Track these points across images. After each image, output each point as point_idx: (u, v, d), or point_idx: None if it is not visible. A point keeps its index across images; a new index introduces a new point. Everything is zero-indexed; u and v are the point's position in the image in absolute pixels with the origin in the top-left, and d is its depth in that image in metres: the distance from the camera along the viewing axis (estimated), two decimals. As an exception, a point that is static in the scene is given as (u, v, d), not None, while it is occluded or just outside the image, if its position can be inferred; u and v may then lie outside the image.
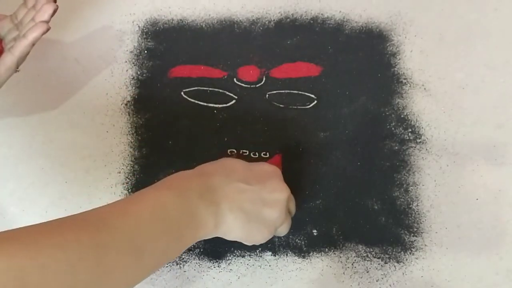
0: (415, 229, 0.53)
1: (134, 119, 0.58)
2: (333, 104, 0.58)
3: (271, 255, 0.52)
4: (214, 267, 0.52)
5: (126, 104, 0.59)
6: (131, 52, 0.61)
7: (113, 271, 0.35)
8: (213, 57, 0.60)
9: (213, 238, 0.53)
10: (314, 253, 0.52)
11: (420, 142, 0.56)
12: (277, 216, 0.46)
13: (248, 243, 0.46)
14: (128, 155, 0.56)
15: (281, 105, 0.58)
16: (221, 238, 0.52)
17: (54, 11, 0.50)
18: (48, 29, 0.49)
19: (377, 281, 0.51)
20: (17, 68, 0.50)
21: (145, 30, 0.62)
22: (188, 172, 0.45)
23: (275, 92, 0.58)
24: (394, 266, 0.51)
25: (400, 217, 0.53)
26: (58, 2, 0.52)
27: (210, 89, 0.59)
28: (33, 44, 0.49)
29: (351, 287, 0.51)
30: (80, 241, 0.33)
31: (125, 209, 0.38)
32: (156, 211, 0.39)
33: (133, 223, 0.37)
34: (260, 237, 0.46)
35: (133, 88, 0.59)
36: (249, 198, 0.44)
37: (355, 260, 0.52)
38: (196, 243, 0.53)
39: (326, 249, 0.52)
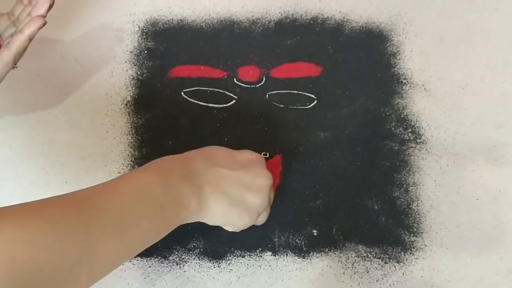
0: (415, 229, 0.53)
1: (134, 119, 0.58)
2: (333, 104, 0.58)
3: (271, 255, 0.52)
4: (214, 267, 0.52)
5: (126, 104, 0.59)
6: (131, 52, 0.61)
7: (98, 247, 0.35)
8: (213, 57, 0.60)
9: (213, 238, 0.53)
10: (314, 253, 0.52)
11: (420, 142, 0.56)
12: (260, 202, 0.46)
13: (229, 228, 0.47)
14: (128, 155, 0.57)
15: (281, 105, 0.58)
16: (221, 237, 0.53)
17: (50, 6, 0.50)
18: (44, 24, 0.49)
19: (377, 281, 0.51)
20: (15, 64, 0.50)
21: (145, 30, 0.62)
22: (173, 156, 0.45)
23: (275, 92, 0.58)
24: (394, 266, 0.51)
25: (400, 217, 0.53)
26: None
27: (210, 89, 0.59)
28: (30, 39, 0.49)
29: (351, 287, 0.51)
30: (67, 217, 0.34)
31: (110, 189, 0.39)
32: (140, 191, 0.40)
33: (117, 202, 0.38)
34: (241, 223, 0.46)
35: (133, 88, 0.59)
36: (232, 182, 0.45)
37: (355, 260, 0.52)
38: (196, 243, 0.53)
39: (326, 249, 0.52)
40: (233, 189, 0.45)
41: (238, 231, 0.48)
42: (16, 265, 0.31)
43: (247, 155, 0.48)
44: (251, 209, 0.46)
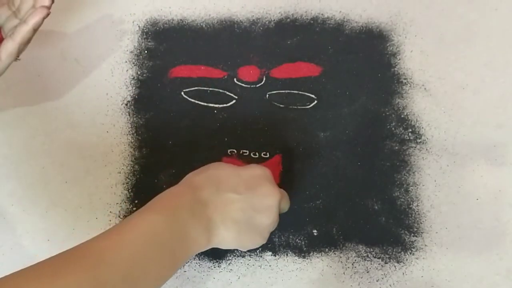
0: (415, 229, 0.53)
1: (134, 119, 0.58)
2: (333, 104, 0.58)
3: (271, 255, 0.52)
4: (215, 267, 0.52)
5: (126, 104, 0.59)
6: (131, 52, 0.61)
7: None
8: (213, 57, 0.60)
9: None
10: (314, 253, 0.52)
11: (420, 142, 0.56)
12: (269, 222, 0.45)
13: (243, 249, 0.47)
14: (128, 155, 0.56)
15: (281, 105, 0.58)
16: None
17: None
18: (48, 14, 0.48)
19: (377, 281, 0.51)
20: (18, 55, 0.49)
21: (145, 30, 0.62)
22: (177, 188, 0.44)
23: (275, 92, 0.58)
24: (394, 266, 0.51)
25: (400, 217, 0.53)
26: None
27: (210, 89, 0.59)
28: (34, 30, 0.49)
29: (351, 287, 0.51)
30: (80, 281, 0.34)
31: (120, 240, 0.38)
32: (149, 239, 0.39)
33: (128, 256, 0.37)
34: (253, 244, 0.46)
35: (133, 88, 0.59)
36: (240, 207, 0.44)
37: (355, 260, 0.52)
38: (196, 243, 0.53)
39: (326, 249, 0.52)
40: (242, 213, 0.44)
41: (253, 248, 0.47)
42: None
43: (253, 171, 0.47)
44: (261, 230, 0.45)
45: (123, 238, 0.38)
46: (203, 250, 0.43)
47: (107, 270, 0.35)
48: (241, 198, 0.44)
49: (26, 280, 0.33)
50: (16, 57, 0.49)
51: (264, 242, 0.46)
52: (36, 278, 0.33)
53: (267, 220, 0.45)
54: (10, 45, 0.48)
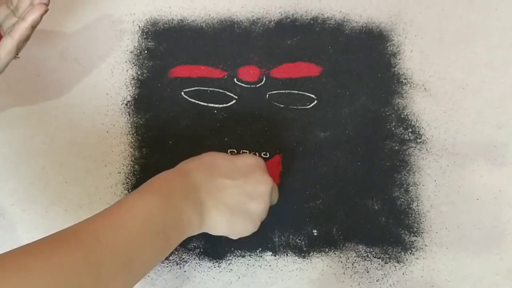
0: (415, 229, 0.53)
1: (134, 119, 0.58)
2: (333, 104, 0.58)
3: (271, 255, 0.52)
4: (214, 267, 0.52)
5: (126, 104, 0.59)
6: (131, 52, 0.61)
7: (107, 285, 0.35)
8: (213, 57, 0.60)
9: (213, 238, 0.53)
10: (314, 253, 0.52)
11: (420, 142, 0.56)
12: (262, 209, 0.46)
13: (234, 237, 0.47)
14: (128, 155, 0.56)
15: (281, 105, 0.58)
16: (221, 238, 0.53)
17: None
18: (46, 11, 0.48)
19: (377, 281, 0.51)
20: (17, 53, 0.49)
21: (145, 30, 0.62)
22: (171, 172, 0.45)
23: (275, 92, 0.58)
24: (395, 266, 0.51)
25: (400, 217, 0.53)
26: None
27: (210, 89, 0.59)
28: (33, 27, 0.49)
29: (351, 287, 0.51)
30: (76, 261, 0.34)
31: (113, 222, 0.38)
32: (142, 220, 0.39)
33: (124, 237, 0.37)
34: (244, 231, 0.46)
35: (133, 88, 0.59)
36: (233, 193, 0.45)
37: (355, 260, 0.52)
38: (196, 243, 0.53)
39: (326, 249, 0.52)
40: (234, 199, 0.45)
41: (243, 236, 0.47)
42: None
43: (247, 160, 0.48)
44: (253, 217, 0.46)
45: (119, 220, 0.38)
46: (195, 234, 0.44)
47: (102, 252, 0.36)
48: (234, 183, 0.45)
49: (22, 257, 0.33)
50: (15, 55, 0.49)
51: (255, 230, 0.46)
52: (32, 255, 0.33)
53: (259, 206, 0.46)
54: (9, 43, 0.48)
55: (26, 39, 0.49)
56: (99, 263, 0.35)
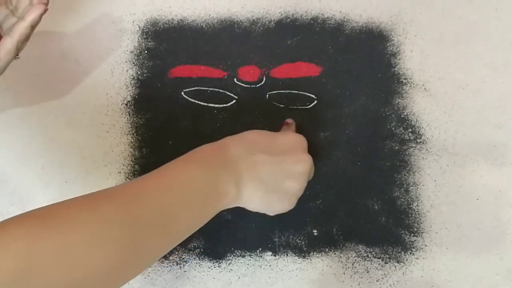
0: (415, 229, 0.53)
1: (134, 119, 0.58)
2: (333, 104, 0.58)
3: (271, 255, 0.52)
4: (215, 267, 0.52)
5: (126, 104, 0.59)
6: (131, 52, 0.61)
7: (146, 242, 0.37)
8: (213, 57, 0.60)
9: (213, 238, 0.53)
10: (314, 253, 0.52)
11: (420, 142, 0.56)
12: (299, 188, 0.46)
13: (270, 213, 0.47)
14: (128, 155, 0.56)
15: (281, 105, 0.58)
16: (221, 237, 0.53)
17: None
18: (45, 10, 0.48)
19: (377, 281, 0.51)
20: (17, 54, 0.49)
21: (145, 30, 0.62)
22: (212, 145, 0.45)
23: (275, 92, 0.58)
24: (395, 266, 0.51)
25: (400, 217, 0.53)
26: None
27: (210, 89, 0.59)
28: (32, 27, 0.48)
29: (351, 287, 0.51)
30: (119, 215, 0.35)
31: (158, 183, 0.40)
32: (184, 184, 0.41)
33: (164, 197, 0.39)
34: (280, 208, 0.46)
35: (133, 88, 0.59)
36: (270, 170, 0.45)
37: (355, 260, 0.52)
38: (196, 243, 0.53)
39: (326, 249, 0.52)
40: (272, 175, 0.45)
41: (280, 213, 0.47)
42: (75, 269, 0.32)
43: (289, 137, 0.48)
44: (290, 195, 0.46)
45: (162, 181, 0.40)
46: (231, 206, 0.44)
47: (143, 210, 0.37)
48: (272, 160, 0.45)
49: (72, 209, 0.35)
50: (15, 55, 0.49)
51: (291, 207, 0.46)
52: (76, 207, 0.35)
53: (296, 185, 0.46)
54: (8, 43, 0.48)
55: (26, 39, 0.49)
56: (139, 219, 0.36)
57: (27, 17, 0.48)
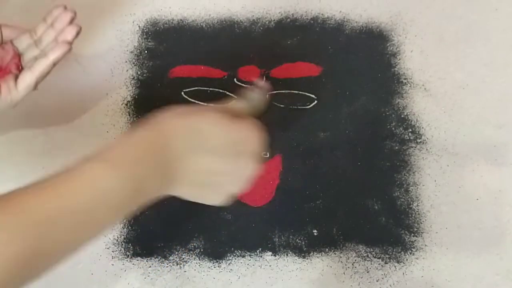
0: (416, 229, 0.53)
1: (134, 119, 0.58)
2: (333, 104, 0.58)
3: (271, 255, 0.52)
4: (215, 267, 0.52)
5: (126, 104, 0.59)
6: (131, 52, 0.61)
7: (50, 246, 0.33)
8: (213, 57, 0.60)
9: (213, 238, 0.53)
10: (315, 253, 0.52)
11: (420, 142, 0.56)
12: (237, 190, 0.41)
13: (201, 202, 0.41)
14: (128, 155, 0.56)
15: (281, 105, 0.58)
16: (221, 237, 0.53)
17: (78, 33, 0.49)
18: (70, 50, 0.48)
19: (377, 281, 0.51)
20: (36, 87, 0.49)
21: (145, 30, 0.62)
22: (146, 133, 0.38)
23: (275, 92, 0.58)
24: (395, 266, 0.51)
25: (401, 217, 0.53)
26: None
27: (210, 89, 0.59)
28: (54, 64, 0.48)
29: (351, 287, 0.51)
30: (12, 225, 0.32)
31: (56, 196, 0.35)
32: (95, 196, 0.34)
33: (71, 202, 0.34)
34: (212, 203, 0.41)
35: (133, 88, 0.59)
36: (213, 173, 0.39)
37: (355, 260, 0.52)
38: (196, 243, 0.53)
39: (327, 249, 0.52)
40: (213, 179, 0.39)
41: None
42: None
43: (244, 132, 0.40)
44: (228, 195, 0.41)
45: (62, 192, 0.34)
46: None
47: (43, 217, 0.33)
48: (219, 167, 0.39)
49: None
50: (34, 89, 0.49)
51: (225, 204, 0.41)
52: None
53: (236, 188, 0.41)
54: (29, 78, 0.48)
55: (45, 75, 0.49)
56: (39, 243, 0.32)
57: (51, 55, 0.48)
